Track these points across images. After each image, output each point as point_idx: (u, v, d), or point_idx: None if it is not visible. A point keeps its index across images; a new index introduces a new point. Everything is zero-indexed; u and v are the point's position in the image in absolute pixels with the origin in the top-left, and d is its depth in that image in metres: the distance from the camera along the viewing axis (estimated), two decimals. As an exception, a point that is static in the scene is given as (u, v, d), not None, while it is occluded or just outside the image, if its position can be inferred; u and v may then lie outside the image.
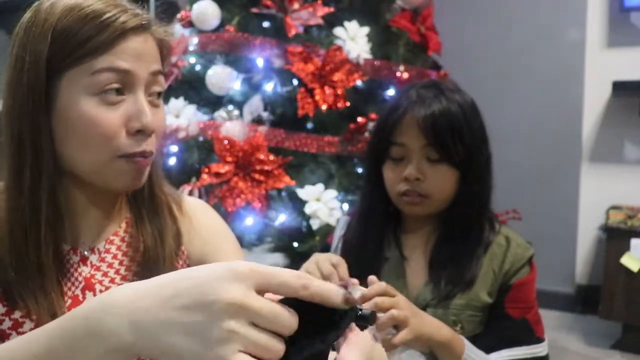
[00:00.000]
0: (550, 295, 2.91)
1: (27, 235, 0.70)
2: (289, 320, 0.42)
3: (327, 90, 2.10)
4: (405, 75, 2.20)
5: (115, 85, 0.70)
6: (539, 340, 1.07)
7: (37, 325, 0.69)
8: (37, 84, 0.69)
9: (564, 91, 3.04)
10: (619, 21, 2.89)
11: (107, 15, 0.70)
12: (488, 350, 1.03)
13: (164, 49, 0.79)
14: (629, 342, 2.52)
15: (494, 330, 1.07)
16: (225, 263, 0.43)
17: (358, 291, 0.57)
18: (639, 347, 2.50)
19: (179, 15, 2.32)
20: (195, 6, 2.22)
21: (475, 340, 1.04)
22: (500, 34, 3.17)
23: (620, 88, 2.74)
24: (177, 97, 2.27)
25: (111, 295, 0.45)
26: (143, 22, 0.73)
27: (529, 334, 1.07)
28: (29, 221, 0.70)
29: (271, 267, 0.43)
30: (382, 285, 0.89)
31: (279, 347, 0.42)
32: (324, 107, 2.07)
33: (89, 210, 0.77)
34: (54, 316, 0.69)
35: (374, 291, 0.88)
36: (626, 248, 2.48)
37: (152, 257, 0.78)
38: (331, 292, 0.43)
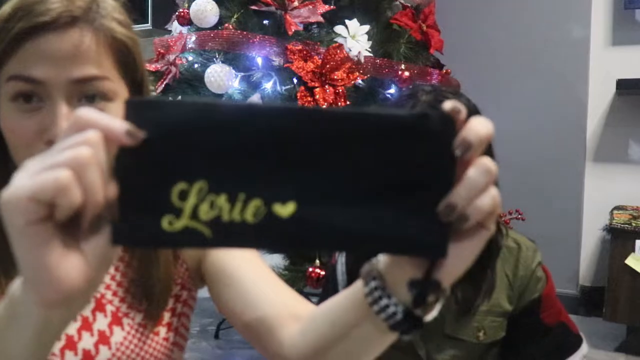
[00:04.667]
0: (554, 297, 2.90)
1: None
2: None
3: (328, 88, 2.08)
4: (407, 73, 2.18)
5: (25, 92, 0.64)
6: (579, 338, 1.12)
7: None
8: None
9: (568, 89, 3.02)
10: (624, 19, 2.87)
11: (21, 13, 0.62)
12: None
13: (120, 48, 0.68)
14: (634, 344, 2.50)
15: (542, 345, 1.10)
16: None
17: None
18: (644, 350, 2.48)
19: (177, 13, 2.30)
20: (194, 4, 2.20)
21: (515, 350, 1.10)
22: (503, 32, 3.15)
23: (625, 86, 2.72)
24: (175, 95, 2.25)
25: None
26: (57, 18, 0.63)
27: (571, 336, 1.12)
28: None
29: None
30: None
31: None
32: (324, 105, 2.05)
33: None
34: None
35: None
36: (631, 249, 2.46)
37: (146, 261, 0.75)
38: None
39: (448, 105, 0.41)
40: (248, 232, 0.40)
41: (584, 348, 1.11)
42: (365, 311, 0.53)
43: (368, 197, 0.41)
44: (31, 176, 0.39)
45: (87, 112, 0.40)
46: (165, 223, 0.39)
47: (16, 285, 0.44)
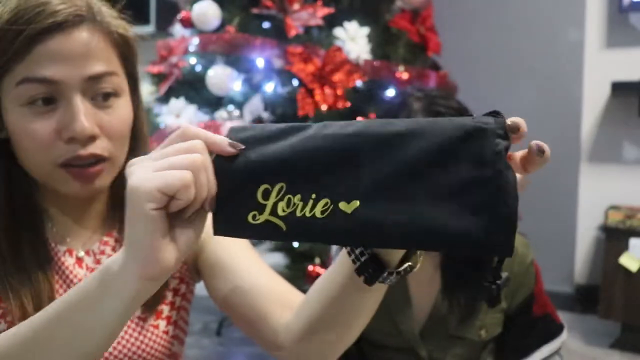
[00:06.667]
0: (550, 295, 2.87)
1: (7, 236, 0.68)
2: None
3: (327, 90, 2.10)
4: (405, 75, 2.21)
5: (41, 95, 0.64)
6: (561, 327, 1.17)
7: (22, 319, 0.64)
8: None
9: (563, 91, 3.05)
10: (618, 21, 2.90)
11: (26, 16, 0.63)
12: (524, 351, 1.13)
13: (122, 43, 0.70)
14: (628, 342, 2.53)
15: (529, 335, 1.14)
16: None
17: None
18: (638, 346, 2.50)
19: (179, 16, 2.32)
20: (196, 7, 2.22)
21: (506, 344, 1.13)
22: (499, 35, 3.18)
23: (619, 88, 2.75)
24: (177, 97, 2.28)
25: None
26: (66, 18, 0.64)
27: (555, 325, 1.17)
28: (7, 224, 0.68)
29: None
30: None
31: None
32: (324, 107, 2.08)
33: (67, 212, 0.74)
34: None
35: None
36: (625, 248, 2.49)
37: None
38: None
39: (511, 119, 0.48)
40: (317, 226, 0.47)
41: (564, 335, 1.16)
42: (347, 269, 0.58)
43: (430, 197, 0.44)
44: (155, 172, 0.47)
45: (192, 126, 0.50)
46: (250, 217, 0.48)
47: (110, 264, 0.51)
